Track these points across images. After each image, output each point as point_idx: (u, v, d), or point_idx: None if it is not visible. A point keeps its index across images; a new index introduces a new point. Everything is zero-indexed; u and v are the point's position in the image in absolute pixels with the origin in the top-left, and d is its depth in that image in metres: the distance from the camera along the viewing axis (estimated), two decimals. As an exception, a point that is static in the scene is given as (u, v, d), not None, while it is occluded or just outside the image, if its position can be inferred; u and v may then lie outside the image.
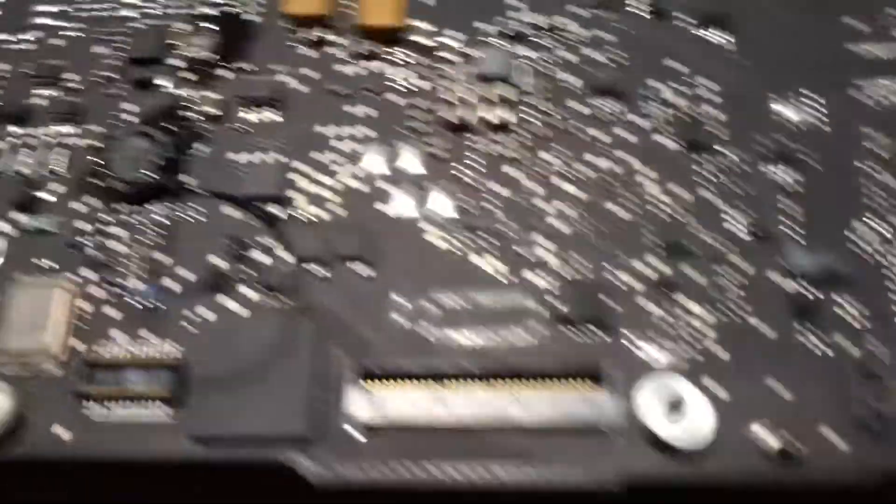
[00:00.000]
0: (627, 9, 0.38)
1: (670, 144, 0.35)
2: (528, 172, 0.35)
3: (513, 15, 0.38)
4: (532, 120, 0.36)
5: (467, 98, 0.37)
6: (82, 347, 0.34)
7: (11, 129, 0.38)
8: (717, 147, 0.35)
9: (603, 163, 0.35)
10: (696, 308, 0.33)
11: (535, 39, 0.38)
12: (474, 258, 0.34)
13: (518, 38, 0.38)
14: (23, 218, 0.36)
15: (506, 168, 0.36)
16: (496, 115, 0.36)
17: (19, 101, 0.38)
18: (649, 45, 0.37)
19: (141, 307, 0.34)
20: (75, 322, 0.34)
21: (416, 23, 0.39)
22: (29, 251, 0.36)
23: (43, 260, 0.36)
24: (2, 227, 0.36)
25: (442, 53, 0.38)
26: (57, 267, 0.35)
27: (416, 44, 0.38)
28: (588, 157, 0.35)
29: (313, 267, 0.35)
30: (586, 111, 0.36)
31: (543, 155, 0.36)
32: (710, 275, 0.33)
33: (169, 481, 0.33)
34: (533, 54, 0.37)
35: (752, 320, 0.32)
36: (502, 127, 0.36)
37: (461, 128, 0.36)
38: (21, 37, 0.40)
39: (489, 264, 0.34)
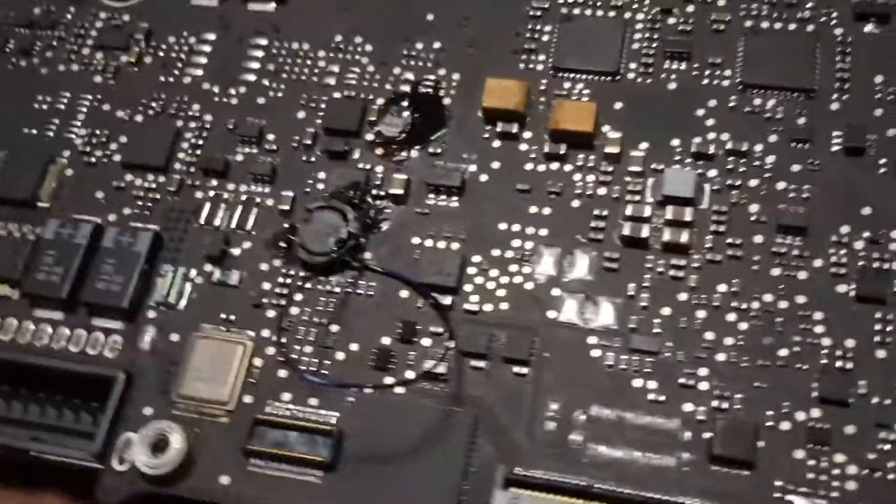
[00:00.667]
0: (825, 143, 0.43)
1: (845, 290, 0.40)
2: (698, 298, 0.41)
3: (707, 134, 0.44)
4: (709, 245, 0.42)
5: (647, 214, 0.43)
6: (251, 401, 0.42)
7: (213, 181, 0.47)
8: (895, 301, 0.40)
9: (771, 298, 0.41)
10: (842, 459, 0.38)
11: (727, 164, 0.43)
12: (635, 380, 0.40)
13: (708, 158, 0.44)
14: (211, 268, 0.45)
15: (676, 291, 0.42)
16: (674, 235, 0.42)
17: (222, 156, 0.47)
18: (841, 184, 0.42)
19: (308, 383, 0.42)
20: (249, 378, 0.42)
21: (607, 130, 0.45)
22: (214, 302, 0.45)
23: (225, 313, 0.44)
24: (192, 275, 0.45)
25: (629, 165, 0.44)
26: (236, 321, 0.44)
27: (605, 152, 0.44)
28: (759, 290, 0.41)
29: (476, 361, 0.41)
30: (766, 244, 0.42)
31: (715, 283, 0.41)
32: (868, 432, 0.38)
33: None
34: (720, 178, 0.43)
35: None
36: (679, 248, 0.42)
37: (637, 243, 0.43)
38: (228, 91, 0.49)
39: (649, 387, 0.40)
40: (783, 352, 0.40)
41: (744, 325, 0.41)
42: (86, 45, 0.52)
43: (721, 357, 0.41)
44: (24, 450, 0.43)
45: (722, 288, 0.42)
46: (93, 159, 0.48)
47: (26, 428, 0.44)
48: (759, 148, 0.44)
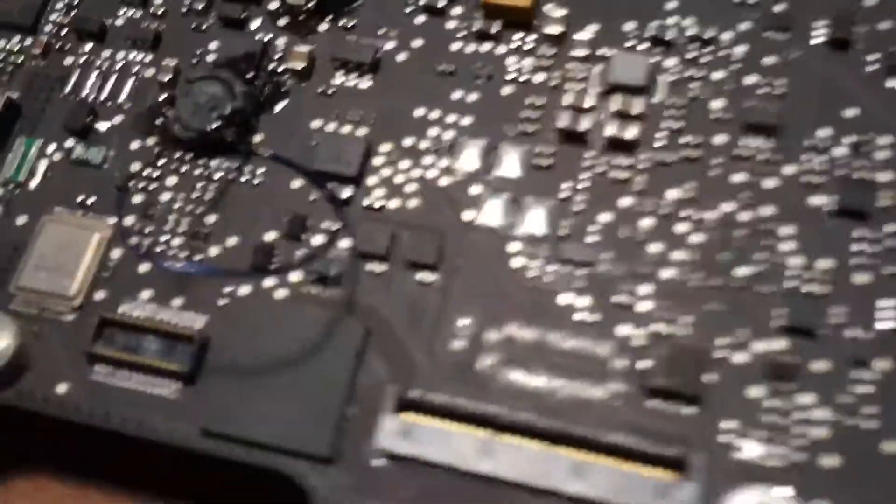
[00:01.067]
0: (805, 34, 0.35)
1: (821, 202, 0.32)
2: (644, 205, 0.33)
3: (666, 17, 0.36)
4: (661, 144, 0.34)
5: (590, 105, 0.34)
6: (103, 298, 0.33)
7: (87, 46, 0.38)
8: (879, 218, 0.32)
9: (732, 208, 0.33)
10: (809, 401, 0.30)
11: (687, 51, 0.35)
12: (563, 295, 0.32)
13: (666, 45, 0.35)
14: (73, 144, 0.36)
15: (619, 195, 0.33)
16: (619, 130, 0.34)
17: (99, 18, 0.38)
18: (822, 81, 0.34)
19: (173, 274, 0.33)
20: (102, 271, 0.34)
21: (549, 7, 0.37)
22: (72, 182, 0.36)
23: (84, 195, 0.35)
24: (49, 151, 0.36)
25: (573, 49, 0.36)
26: (95, 205, 0.35)
27: (544, 32, 0.36)
28: (717, 198, 0.33)
29: (374, 264, 0.33)
30: (728, 145, 0.34)
31: (665, 188, 0.33)
32: (839, 369, 0.30)
33: (160, 461, 0.33)
34: (679, 68, 0.35)
35: (874, 427, 0.29)
36: (624, 145, 0.34)
37: (575, 137, 0.34)
38: (115, -55, 0.40)
39: (578, 305, 0.32)
40: (742, 270, 0.32)
41: (697, 238, 0.33)
42: None
43: (667, 273, 0.32)
44: None
45: (673, 194, 0.33)
46: (-51, 16, 0.40)
47: None
48: (727, 36, 0.35)
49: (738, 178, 0.33)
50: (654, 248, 0.33)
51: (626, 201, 0.33)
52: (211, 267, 0.33)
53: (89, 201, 0.35)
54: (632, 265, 0.32)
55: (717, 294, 0.32)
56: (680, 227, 0.33)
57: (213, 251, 0.34)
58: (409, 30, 0.37)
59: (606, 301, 0.32)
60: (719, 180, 0.33)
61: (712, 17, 0.36)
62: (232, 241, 0.34)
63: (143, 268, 0.34)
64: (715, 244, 0.32)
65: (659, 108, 0.35)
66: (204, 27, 0.38)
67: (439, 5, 0.37)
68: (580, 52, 0.36)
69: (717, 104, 0.34)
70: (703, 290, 0.32)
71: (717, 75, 0.35)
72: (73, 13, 0.39)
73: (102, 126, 0.37)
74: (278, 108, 0.36)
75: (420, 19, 0.37)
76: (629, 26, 0.36)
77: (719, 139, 0.34)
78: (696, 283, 0.32)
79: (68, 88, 0.37)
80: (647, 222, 0.33)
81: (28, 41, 0.38)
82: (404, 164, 0.35)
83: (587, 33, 0.36)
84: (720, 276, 0.32)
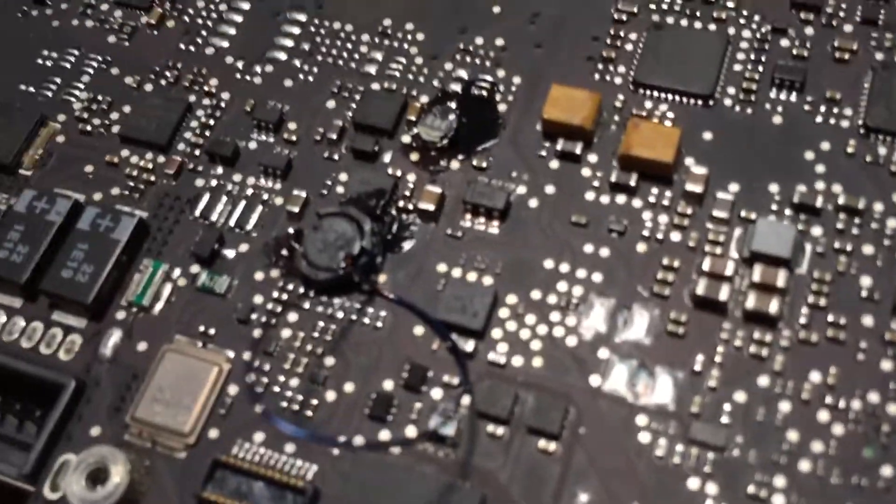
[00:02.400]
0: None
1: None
2: (783, 386, 0.30)
3: (815, 183, 0.33)
4: (804, 321, 0.31)
5: (729, 272, 0.32)
6: (216, 436, 0.32)
7: (218, 169, 0.37)
8: None
9: (879, 398, 0.30)
10: None
11: (836, 222, 0.33)
12: (692, 479, 0.29)
13: (812, 212, 0.33)
14: (198, 270, 0.35)
15: (756, 373, 0.31)
16: (760, 302, 0.31)
17: (233, 141, 0.37)
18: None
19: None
20: (218, 408, 0.33)
21: (690, 162, 0.34)
22: (194, 310, 0.35)
23: (205, 325, 0.34)
24: (175, 275, 0.35)
25: (713, 209, 0.33)
26: (218, 336, 0.34)
27: (684, 189, 0.34)
28: (864, 386, 0.30)
29: (494, 426, 0.31)
30: (877, 328, 0.31)
31: (807, 369, 0.30)
32: None
33: None
34: (827, 238, 0.32)
35: None
36: (765, 319, 0.31)
37: (713, 306, 0.32)
38: (254, 68, 0.39)
39: (708, 492, 0.29)
40: (888, 471, 0.29)
41: (839, 429, 0.30)
42: (105, 0, 0.42)
43: (805, 466, 0.29)
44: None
45: (815, 377, 0.30)
46: (88, 127, 0.39)
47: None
48: (879, 207, 0.33)
49: (888, 365, 0.30)
50: (792, 435, 0.30)
51: (763, 380, 0.31)
52: (321, 435, 0.31)
53: (210, 331, 0.34)
54: (767, 453, 0.30)
55: (859, 494, 0.29)
56: (821, 415, 0.30)
57: (330, 396, 0.32)
58: (543, 175, 0.35)
59: (739, 491, 0.29)
60: (867, 366, 0.30)
61: (863, 186, 0.33)
62: (349, 386, 0.32)
63: (259, 407, 0.33)
64: (859, 438, 0.30)
65: (803, 280, 0.32)
66: (335, 157, 0.37)
67: (576, 151, 0.35)
68: (721, 214, 0.33)
69: (866, 281, 0.32)
70: (843, 487, 0.29)
71: (867, 249, 0.32)
72: (207, 133, 0.38)
73: (229, 253, 0.36)
74: (405, 247, 0.35)
75: (554, 164, 0.35)
76: (773, 188, 0.34)
77: (868, 321, 0.31)
78: (837, 480, 0.29)
79: (198, 212, 0.37)
80: (785, 406, 0.30)
81: (161, 159, 0.38)
82: (530, 318, 0.33)
83: (728, 193, 0.34)
84: (863, 475, 0.29)
